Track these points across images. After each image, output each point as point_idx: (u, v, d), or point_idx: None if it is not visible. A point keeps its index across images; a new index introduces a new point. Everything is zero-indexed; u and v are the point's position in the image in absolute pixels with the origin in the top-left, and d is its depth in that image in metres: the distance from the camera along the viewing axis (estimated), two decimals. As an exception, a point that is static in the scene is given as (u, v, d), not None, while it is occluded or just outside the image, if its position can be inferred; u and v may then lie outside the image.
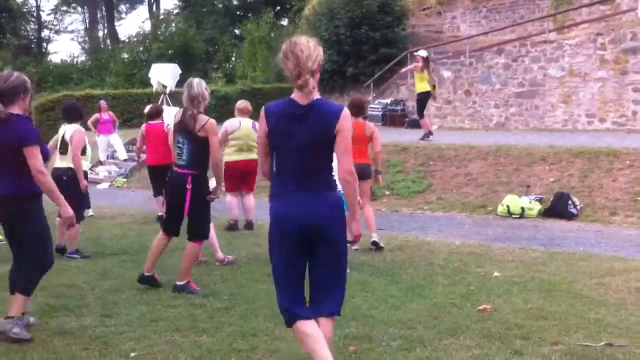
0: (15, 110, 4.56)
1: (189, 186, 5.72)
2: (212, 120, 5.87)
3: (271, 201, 3.60)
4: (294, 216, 3.49)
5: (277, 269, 3.60)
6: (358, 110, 7.83)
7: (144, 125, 10.37)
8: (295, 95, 3.53)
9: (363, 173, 7.86)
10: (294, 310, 3.55)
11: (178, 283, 5.90)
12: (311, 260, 3.58)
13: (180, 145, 5.85)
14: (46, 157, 4.80)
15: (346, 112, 3.52)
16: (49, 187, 4.58)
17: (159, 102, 22.62)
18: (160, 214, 9.89)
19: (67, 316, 5.14)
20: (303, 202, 3.49)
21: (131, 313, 5.22)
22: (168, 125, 9.57)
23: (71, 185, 7.26)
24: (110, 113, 17.20)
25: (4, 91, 4.51)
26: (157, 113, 10.36)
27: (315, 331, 3.50)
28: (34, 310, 5.21)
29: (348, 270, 3.89)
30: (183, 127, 5.83)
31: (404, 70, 17.49)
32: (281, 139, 3.51)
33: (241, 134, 9.08)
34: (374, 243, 7.86)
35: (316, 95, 3.51)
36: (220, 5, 42.65)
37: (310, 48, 3.44)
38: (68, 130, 7.64)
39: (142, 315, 5.16)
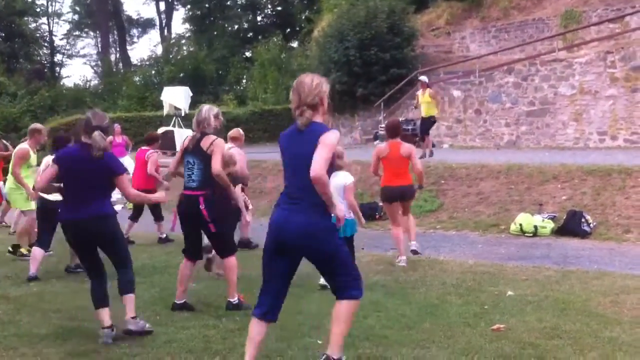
0: None
1: (202, 207, 5.74)
2: (220, 139, 5.92)
3: None
4: None
5: None
6: (394, 132, 8.05)
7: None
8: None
9: (402, 195, 8.03)
10: None
11: (230, 300, 5.97)
12: None
13: (190, 166, 5.86)
14: None
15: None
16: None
17: (171, 125, 22.93)
18: (162, 235, 10.41)
19: (81, 338, 5.15)
20: None
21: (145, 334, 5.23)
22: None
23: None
24: (124, 137, 17.43)
25: (105, 127, 5.08)
26: (153, 139, 10.80)
27: None
28: (47, 332, 5.26)
29: None
30: (192, 148, 5.86)
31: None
32: None
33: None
34: (413, 251, 8.16)
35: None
36: (230, 28, 43.12)
37: (312, 85, 3.94)
38: None
39: (155, 336, 5.16)
